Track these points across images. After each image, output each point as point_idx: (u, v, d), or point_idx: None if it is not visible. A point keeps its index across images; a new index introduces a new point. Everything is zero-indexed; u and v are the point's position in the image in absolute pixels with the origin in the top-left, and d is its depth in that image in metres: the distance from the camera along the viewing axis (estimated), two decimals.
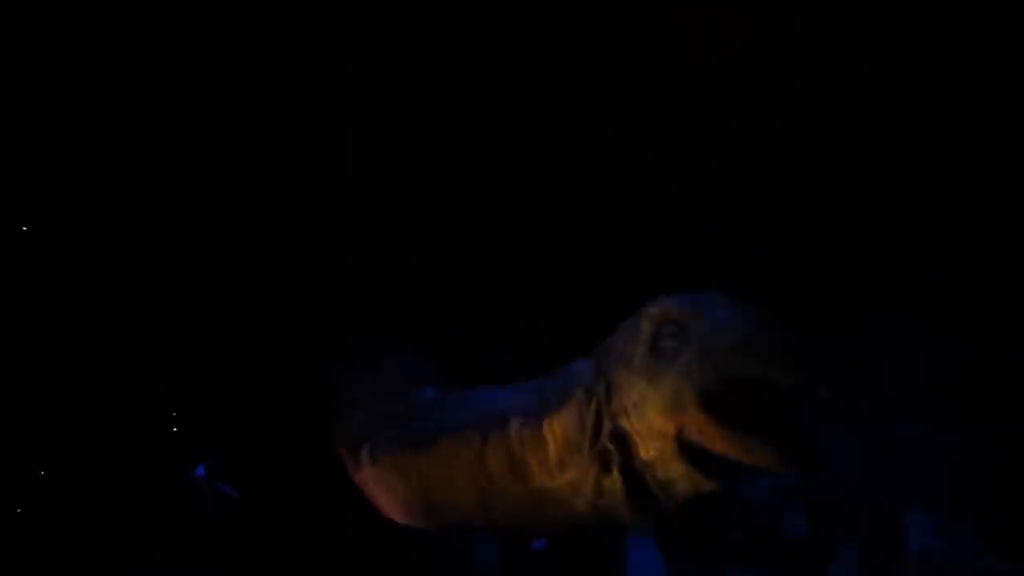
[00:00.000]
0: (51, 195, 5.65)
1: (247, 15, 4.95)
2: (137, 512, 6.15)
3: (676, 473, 3.72)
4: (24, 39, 4.96)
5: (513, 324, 5.98)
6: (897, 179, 5.79)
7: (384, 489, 5.13)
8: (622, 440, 3.88)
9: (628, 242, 6.04)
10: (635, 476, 3.90)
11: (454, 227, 5.93)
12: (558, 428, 4.15)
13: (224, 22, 4.95)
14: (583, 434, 4.03)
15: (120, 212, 5.82)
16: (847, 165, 5.78)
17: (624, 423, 3.84)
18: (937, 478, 6.60)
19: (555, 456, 4.16)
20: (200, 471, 6.33)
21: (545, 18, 5.09)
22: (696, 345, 3.48)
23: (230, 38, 5.02)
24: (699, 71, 5.31)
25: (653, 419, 3.63)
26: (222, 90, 5.27)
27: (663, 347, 3.62)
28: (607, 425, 3.92)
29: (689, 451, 3.61)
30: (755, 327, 3.44)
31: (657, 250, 5.98)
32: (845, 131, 5.65)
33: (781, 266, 6.07)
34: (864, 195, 5.90)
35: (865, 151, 5.72)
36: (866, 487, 6.87)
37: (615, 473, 3.93)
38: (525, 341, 5.71)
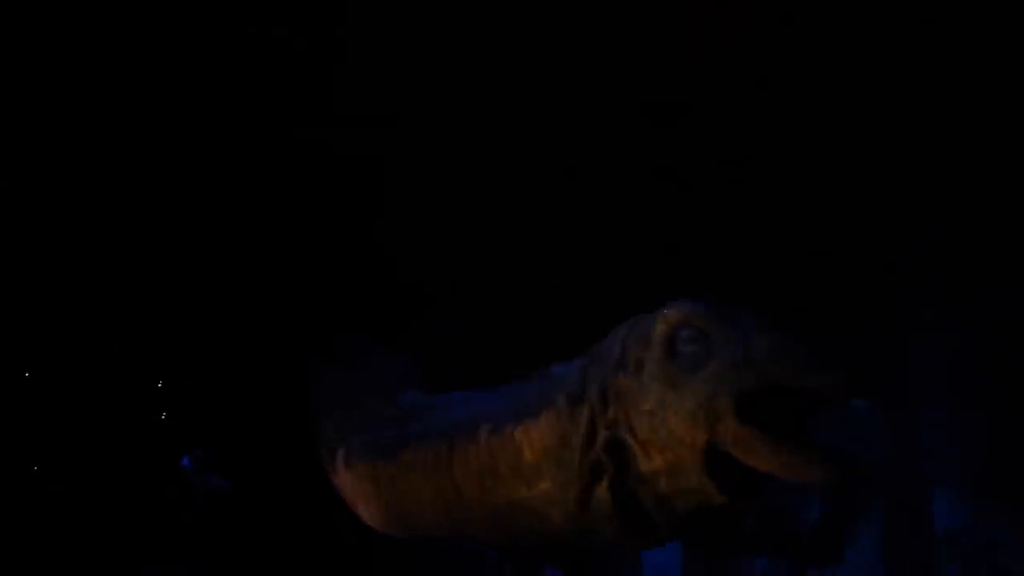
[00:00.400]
0: (46, 186, 5.55)
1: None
2: (127, 505, 5.98)
3: (687, 485, 3.45)
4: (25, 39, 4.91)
5: (504, 325, 5.82)
6: (916, 162, 5.63)
7: (358, 496, 4.96)
8: (617, 450, 3.61)
9: (619, 245, 5.91)
10: (625, 490, 3.63)
11: (444, 227, 5.79)
12: (535, 435, 3.90)
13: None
14: (564, 443, 3.78)
15: (108, 202, 5.68)
16: (864, 151, 5.61)
17: (623, 433, 3.57)
18: (965, 457, 6.27)
19: (530, 465, 3.91)
20: (185, 462, 6.07)
21: (546, 17, 4.97)
22: (729, 351, 3.26)
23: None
24: (700, 71, 5.19)
25: (676, 427, 3.35)
26: (213, 82, 5.17)
27: (683, 352, 3.37)
28: (601, 434, 3.65)
29: (712, 462, 3.35)
30: (788, 336, 3.24)
31: (649, 252, 5.87)
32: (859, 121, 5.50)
33: (802, 254, 5.95)
34: (888, 174, 5.71)
35: (882, 138, 5.55)
36: (891, 467, 6.54)
37: (604, 486, 3.66)
38: (516, 343, 5.49)
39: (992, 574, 6.23)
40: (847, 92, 5.34)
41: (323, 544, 6.20)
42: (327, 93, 5.26)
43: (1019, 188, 5.58)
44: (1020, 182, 5.56)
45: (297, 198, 5.65)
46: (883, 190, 5.72)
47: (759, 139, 5.49)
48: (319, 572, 6.23)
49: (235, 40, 4.97)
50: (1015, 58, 4.99)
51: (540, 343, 4.89)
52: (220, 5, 4.80)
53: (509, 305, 5.83)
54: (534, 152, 5.54)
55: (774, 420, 3.20)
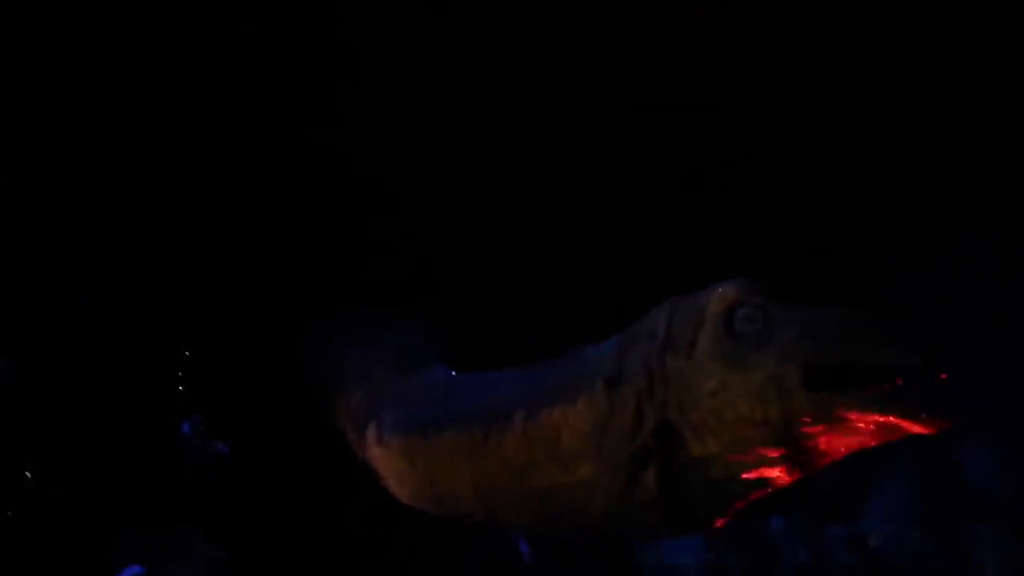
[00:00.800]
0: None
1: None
2: (127, 471, 5.90)
3: (748, 467, 3.39)
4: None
5: (524, 300, 5.75)
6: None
7: (391, 473, 4.88)
8: (666, 435, 3.52)
9: (639, 216, 5.86)
10: (672, 476, 3.57)
11: (464, 200, 5.77)
12: (573, 421, 3.82)
13: None
14: (604, 428, 3.70)
15: (105, 173, 5.77)
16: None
17: (674, 417, 3.47)
18: (998, 409, 6.06)
19: (569, 451, 3.85)
20: (186, 428, 6.06)
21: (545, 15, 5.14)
22: (795, 328, 3.17)
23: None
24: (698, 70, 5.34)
25: (743, 408, 3.24)
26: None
27: (743, 331, 3.28)
28: (649, 419, 3.55)
29: (788, 442, 3.25)
30: (856, 312, 3.17)
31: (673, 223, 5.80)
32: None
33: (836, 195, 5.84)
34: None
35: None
36: None
37: (651, 472, 3.57)
38: (537, 317, 5.55)
39: (1019, 524, 6.09)
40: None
41: (331, 516, 6.11)
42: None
43: None
44: None
45: (311, 168, 5.64)
46: (913, 137, 5.61)
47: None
48: (324, 542, 6.13)
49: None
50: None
51: (560, 318, 5.14)
52: None
53: (529, 280, 5.73)
54: (550, 115, 5.51)
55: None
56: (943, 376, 2.99)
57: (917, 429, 3.02)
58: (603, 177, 5.70)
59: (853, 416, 3.08)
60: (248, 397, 6.05)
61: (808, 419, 3.13)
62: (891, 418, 3.02)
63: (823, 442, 3.23)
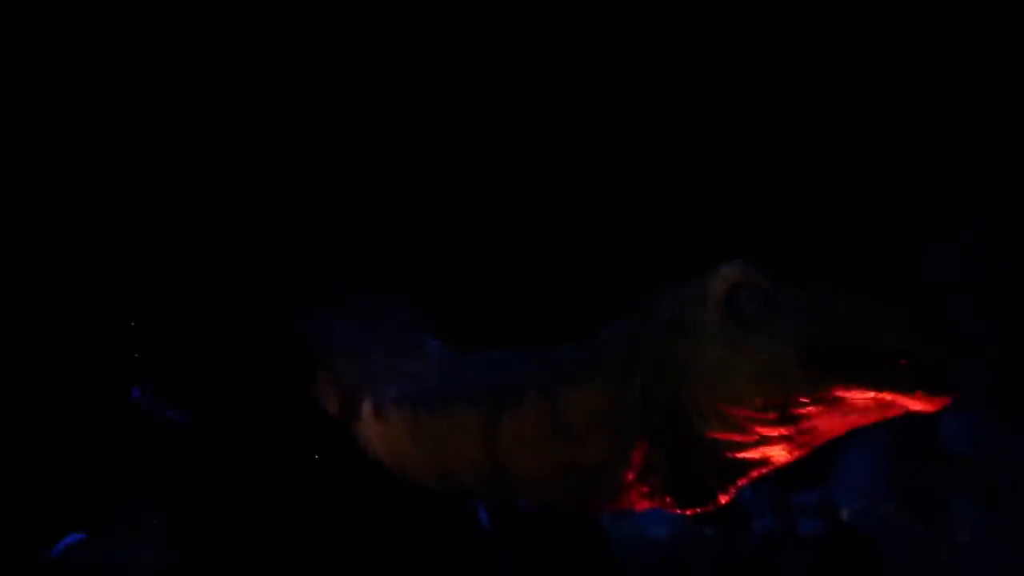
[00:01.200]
0: None
1: None
2: (70, 436, 5.70)
3: (750, 448, 3.47)
4: None
5: (513, 276, 5.72)
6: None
7: (388, 446, 4.89)
8: (675, 416, 3.59)
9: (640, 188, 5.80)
10: (682, 457, 3.67)
11: (452, 172, 5.80)
12: (586, 401, 3.90)
13: None
14: (617, 408, 3.79)
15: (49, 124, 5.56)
16: None
17: (682, 397, 3.56)
18: (979, 373, 6.02)
19: (582, 431, 3.91)
20: (136, 393, 5.92)
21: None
22: (797, 309, 3.21)
23: None
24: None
25: (741, 389, 3.33)
26: None
27: (745, 312, 3.33)
28: (657, 400, 3.64)
29: (787, 423, 3.32)
30: (862, 295, 3.16)
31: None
32: None
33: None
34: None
35: None
36: None
37: (660, 453, 3.70)
38: (529, 301, 5.52)
39: (999, 496, 6.09)
40: None
41: (294, 485, 5.90)
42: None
43: None
44: None
45: (286, 125, 5.55)
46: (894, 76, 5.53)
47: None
48: (284, 510, 5.88)
49: None
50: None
51: (556, 300, 5.20)
52: None
53: (520, 254, 5.70)
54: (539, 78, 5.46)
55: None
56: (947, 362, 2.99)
57: (917, 406, 3.04)
58: (599, 155, 5.67)
59: (852, 395, 3.11)
60: (216, 365, 5.92)
61: (807, 399, 3.19)
62: (890, 395, 3.03)
63: (823, 422, 3.28)
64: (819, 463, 6.92)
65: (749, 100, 5.57)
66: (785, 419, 3.29)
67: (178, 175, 5.78)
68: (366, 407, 4.99)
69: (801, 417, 3.27)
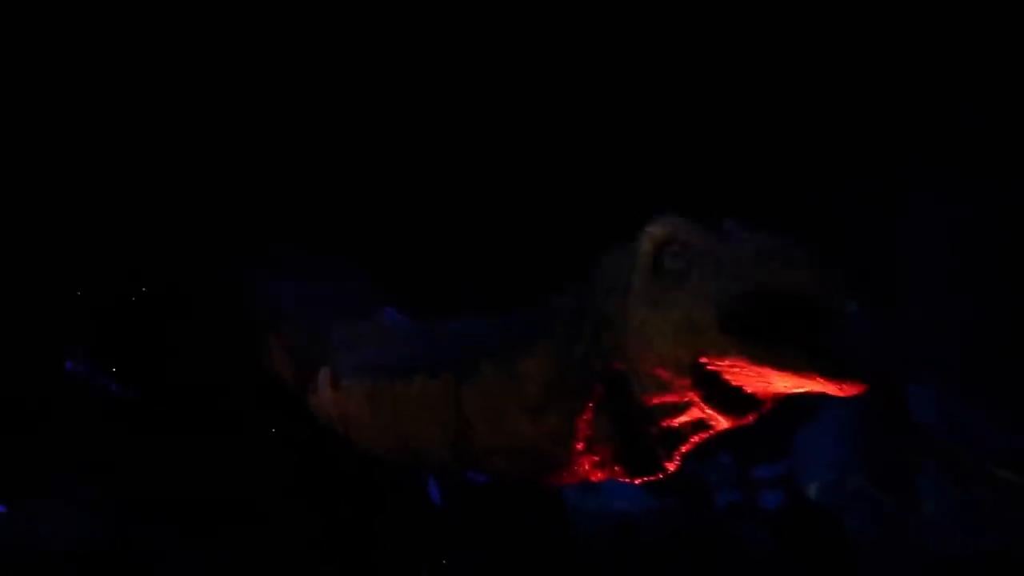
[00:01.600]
0: None
1: None
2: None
3: (684, 412, 3.36)
4: None
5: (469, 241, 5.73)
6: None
7: (346, 416, 4.73)
8: (616, 383, 3.49)
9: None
10: (626, 424, 3.55)
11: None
12: (535, 369, 3.76)
13: None
14: (564, 376, 3.67)
15: None
16: None
17: (619, 362, 3.44)
18: (949, 347, 5.92)
19: (534, 400, 3.76)
20: (69, 366, 5.65)
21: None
22: (711, 262, 3.09)
23: None
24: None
25: (662, 349, 3.21)
26: None
27: (668, 269, 3.23)
28: (597, 366, 3.52)
29: (707, 385, 3.19)
30: (782, 239, 3.01)
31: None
32: None
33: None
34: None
35: None
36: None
37: (605, 420, 3.57)
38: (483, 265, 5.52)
39: (967, 471, 6.03)
40: None
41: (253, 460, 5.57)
42: None
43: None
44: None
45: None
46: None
47: None
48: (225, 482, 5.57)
49: None
50: None
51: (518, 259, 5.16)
52: None
53: (480, 219, 5.64)
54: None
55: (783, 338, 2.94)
56: (855, 308, 2.84)
57: (831, 390, 2.88)
58: (562, 117, 5.59)
59: (765, 368, 2.97)
60: (160, 334, 5.70)
61: (720, 362, 3.07)
62: (801, 375, 2.89)
63: (749, 386, 3.14)
64: (782, 435, 6.95)
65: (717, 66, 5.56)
66: (705, 381, 3.17)
67: (120, 138, 5.59)
68: (323, 377, 4.87)
69: (719, 381, 3.15)
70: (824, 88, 5.72)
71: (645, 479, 3.69)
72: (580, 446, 3.65)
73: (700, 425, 3.40)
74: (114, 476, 5.36)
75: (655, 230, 3.31)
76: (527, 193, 5.66)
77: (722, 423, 3.32)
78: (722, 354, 3.05)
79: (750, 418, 3.32)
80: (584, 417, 3.59)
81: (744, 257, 2.99)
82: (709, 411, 3.27)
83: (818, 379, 2.87)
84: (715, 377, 3.15)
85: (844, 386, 2.85)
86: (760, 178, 5.57)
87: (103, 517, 5.18)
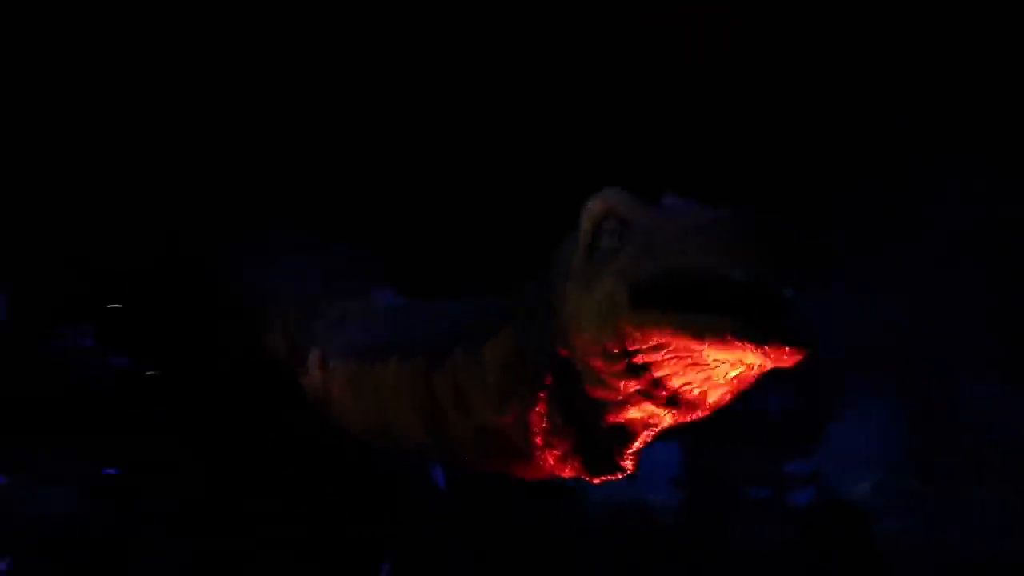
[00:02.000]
0: None
1: None
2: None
3: (631, 409, 3.08)
4: None
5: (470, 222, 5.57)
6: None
7: (332, 398, 4.65)
8: (564, 371, 3.23)
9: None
10: (581, 417, 3.27)
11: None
12: (498, 354, 3.55)
13: None
14: (524, 364, 3.42)
15: None
16: None
17: (562, 348, 3.19)
18: (996, 340, 5.67)
19: (496, 387, 3.57)
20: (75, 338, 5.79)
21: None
22: (640, 239, 2.87)
23: None
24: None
25: (588, 332, 2.99)
26: None
27: (602, 247, 3.02)
28: (545, 352, 3.28)
29: (638, 374, 2.93)
30: (711, 212, 2.73)
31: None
32: None
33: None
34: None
35: None
36: (901, 349, 5.93)
37: (556, 412, 3.30)
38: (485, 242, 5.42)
39: (989, 472, 5.80)
40: None
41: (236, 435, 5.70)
42: None
43: None
44: None
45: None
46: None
47: None
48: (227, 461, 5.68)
49: None
50: None
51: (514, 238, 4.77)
52: None
53: (477, 199, 5.52)
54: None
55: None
56: (791, 291, 2.54)
57: (764, 358, 2.54)
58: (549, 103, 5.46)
59: (687, 340, 2.69)
60: (163, 313, 5.76)
61: (639, 343, 2.82)
62: (727, 341, 2.56)
63: (678, 373, 2.87)
64: (811, 433, 6.82)
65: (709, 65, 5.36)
66: (632, 370, 2.93)
67: (121, 128, 5.53)
68: (313, 357, 4.81)
69: (646, 368, 2.90)
70: (824, 87, 5.53)
71: (604, 478, 3.42)
72: (538, 439, 3.42)
73: (644, 423, 3.16)
74: (110, 452, 5.38)
75: (593, 205, 3.11)
76: (533, 175, 5.54)
77: (665, 419, 3.08)
78: (637, 329, 2.81)
79: (696, 415, 3.08)
80: (538, 408, 3.36)
81: (669, 233, 2.77)
82: (648, 405, 3.03)
83: (748, 346, 2.57)
84: (646, 368, 2.92)
85: (779, 352, 2.53)
86: (760, 178, 5.39)
87: (97, 493, 5.23)
